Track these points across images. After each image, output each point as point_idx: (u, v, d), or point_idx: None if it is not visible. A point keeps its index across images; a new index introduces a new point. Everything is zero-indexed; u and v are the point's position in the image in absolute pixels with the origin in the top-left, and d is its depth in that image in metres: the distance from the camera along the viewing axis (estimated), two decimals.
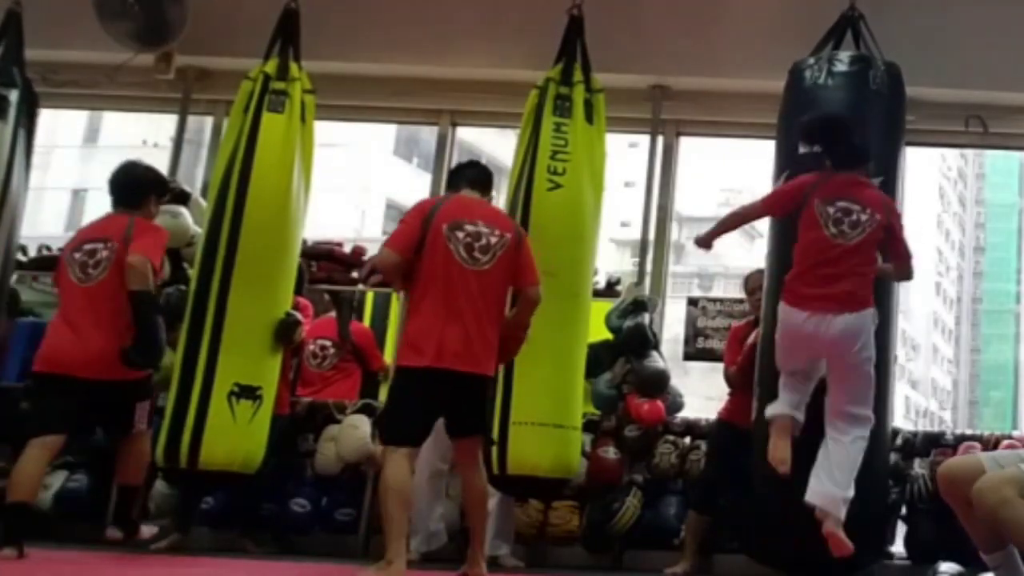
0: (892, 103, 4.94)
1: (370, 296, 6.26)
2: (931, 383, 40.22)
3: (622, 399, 5.21)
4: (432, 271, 3.82)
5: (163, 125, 8.70)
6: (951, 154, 38.46)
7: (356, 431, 5.18)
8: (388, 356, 5.87)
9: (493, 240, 3.89)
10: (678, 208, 6.34)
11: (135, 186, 4.47)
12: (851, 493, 3.94)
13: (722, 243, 4.37)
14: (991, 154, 29.94)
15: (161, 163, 5.52)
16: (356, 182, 21.25)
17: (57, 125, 16.68)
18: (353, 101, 6.10)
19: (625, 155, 8.81)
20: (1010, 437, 5.00)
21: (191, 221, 5.33)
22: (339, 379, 5.76)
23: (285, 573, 4.36)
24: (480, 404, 3.93)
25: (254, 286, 4.68)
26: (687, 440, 5.23)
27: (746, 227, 4.75)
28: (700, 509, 4.91)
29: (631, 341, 5.24)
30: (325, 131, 5.47)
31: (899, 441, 5.02)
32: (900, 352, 5.10)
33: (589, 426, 5.15)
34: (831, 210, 4.05)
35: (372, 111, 6.41)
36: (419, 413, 3.79)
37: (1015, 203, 42.37)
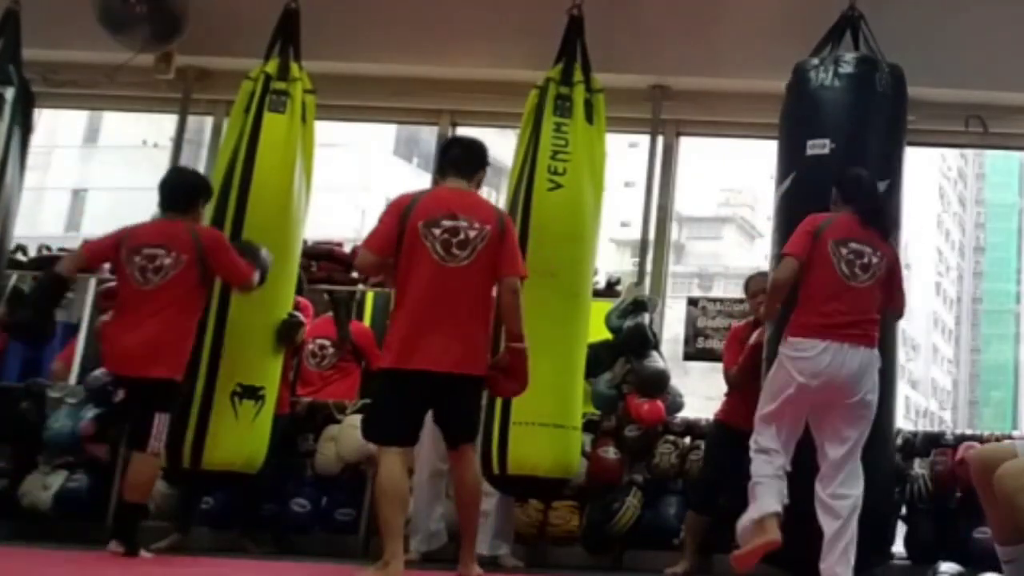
0: (896, 105, 4.95)
1: (370, 296, 6.26)
2: (931, 383, 40.24)
3: (622, 399, 5.21)
4: (409, 270, 3.73)
5: (163, 125, 8.70)
6: (951, 154, 38.52)
7: (356, 431, 5.13)
8: None
9: (472, 234, 3.74)
10: (678, 208, 6.35)
11: (186, 191, 4.49)
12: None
13: (722, 243, 4.35)
14: (991, 154, 29.95)
15: (161, 163, 5.52)
16: (356, 182, 21.27)
17: (57, 125, 16.68)
18: (353, 101, 6.10)
19: (625, 155, 8.80)
20: (1010, 437, 4.99)
21: None
22: (338, 379, 5.75)
23: (285, 573, 4.35)
24: (467, 407, 3.83)
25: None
26: (687, 440, 5.23)
27: (746, 227, 4.73)
28: (699, 509, 4.91)
29: (631, 341, 5.23)
30: (325, 131, 5.48)
31: (899, 441, 5.02)
32: (900, 352, 5.08)
33: (589, 426, 5.15)
34: (844, 251, 4.03)
35: (372, 111, 6.41)
36: (397, 414, 3.71)
37: (1015, 203, 42.40)
